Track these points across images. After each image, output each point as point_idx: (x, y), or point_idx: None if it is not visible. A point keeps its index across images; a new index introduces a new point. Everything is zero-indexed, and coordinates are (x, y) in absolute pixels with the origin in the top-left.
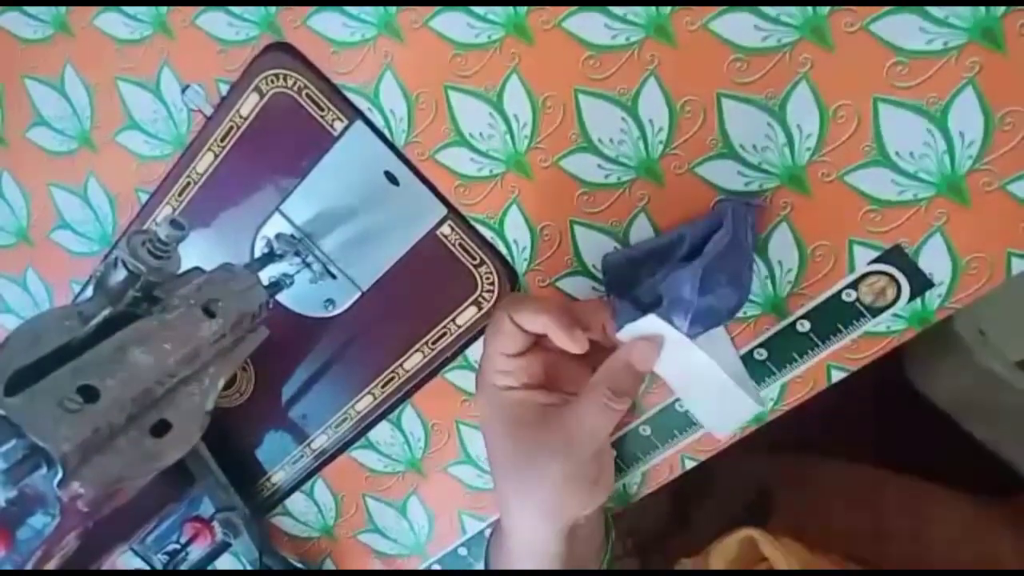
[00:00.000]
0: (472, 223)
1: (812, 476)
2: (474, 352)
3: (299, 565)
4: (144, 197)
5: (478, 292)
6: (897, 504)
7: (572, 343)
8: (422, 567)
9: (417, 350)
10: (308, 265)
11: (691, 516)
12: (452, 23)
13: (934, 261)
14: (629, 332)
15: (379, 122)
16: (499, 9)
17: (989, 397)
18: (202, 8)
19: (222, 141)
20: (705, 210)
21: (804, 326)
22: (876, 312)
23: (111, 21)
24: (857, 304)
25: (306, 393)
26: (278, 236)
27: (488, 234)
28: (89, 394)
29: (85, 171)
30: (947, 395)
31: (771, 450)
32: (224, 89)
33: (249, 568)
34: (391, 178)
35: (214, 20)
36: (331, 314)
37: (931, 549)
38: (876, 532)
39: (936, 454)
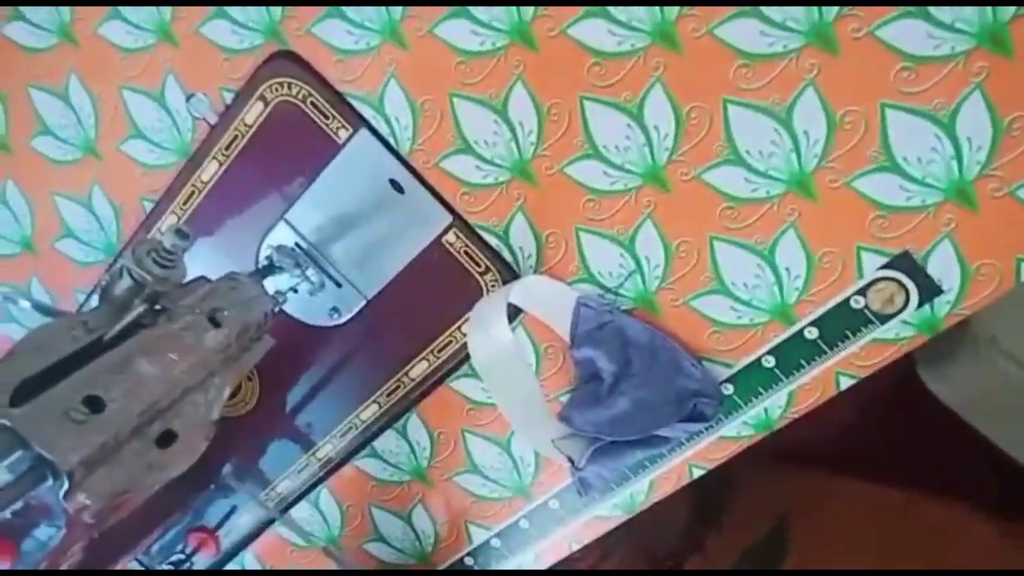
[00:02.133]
0: (477, 231)
1: (830, 502)
2: None
3: None
4: (149, 206)
5: None
6: (917, 533)
7: None
8: None
9: (423, 358)
10: (307, 278)
11: (708, 539)
12: (457, 30)
13: (943, 267)
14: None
15: (384, 130)
16: (504, 16)
17: (1002, 400)
18: (206, 16)
19: (227, 150)
20: (712, 217)
21: (812, 333)
22: (885, 319)
23: (115, 30)
24: (866, 311)
25: (311, 402)
26: (279, 248)
27: (493, 241)
28: (95, 405)
29: (89, 180)
30: (960, 398)
31: (788, 463)
32: (228, 98)
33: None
34: (396, 186)
35: (218, 29)
36: (336, 323)
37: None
38: (896, 563)
39: (957, 462)
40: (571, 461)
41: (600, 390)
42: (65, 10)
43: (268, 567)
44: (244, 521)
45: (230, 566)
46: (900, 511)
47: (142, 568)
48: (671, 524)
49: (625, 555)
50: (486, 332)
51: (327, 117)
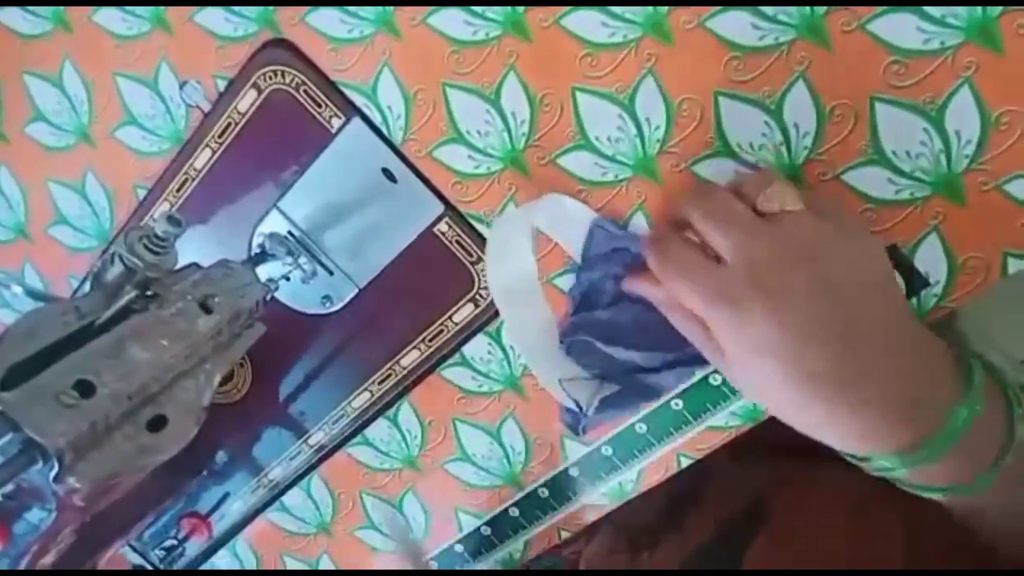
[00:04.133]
0: (469, 220)
1: (808, 485)
2: (471, 349)
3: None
4: (142, 193)
5: (475, 289)
6: (894, 520)
7: None
8: None
9: (414, 347)
10: (300, 265)
11: (685, 517)
12: (450, 20)
13: (930, 260)
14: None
15: (377, 119)
16: (497, 7)
17: None
18: (200, 4)
19: (220, 137)
20: None
21: None
22: None
23: (110, 17)
24: None
25: (303, 390)
26: (271, 236)
27: (485, 231)
28: (85, 389)
29: (83, 167)
30: None
31: (769, 451)
32: (222, 85)
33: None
34: (389, 175)
35: (212, 16)
36: (328, 311)
37: (926, 566)
38: (870, 550)
39: None
40: (578, 406)
41: (599, 303)
42: None
43: (260, 553)
44: (237, 507)
45: (222, 552)
46: (878, 502)
47: (136, 555)
48: (650, 502)
49: (606, 534)
50: (507, 259)
51: (320, 106)
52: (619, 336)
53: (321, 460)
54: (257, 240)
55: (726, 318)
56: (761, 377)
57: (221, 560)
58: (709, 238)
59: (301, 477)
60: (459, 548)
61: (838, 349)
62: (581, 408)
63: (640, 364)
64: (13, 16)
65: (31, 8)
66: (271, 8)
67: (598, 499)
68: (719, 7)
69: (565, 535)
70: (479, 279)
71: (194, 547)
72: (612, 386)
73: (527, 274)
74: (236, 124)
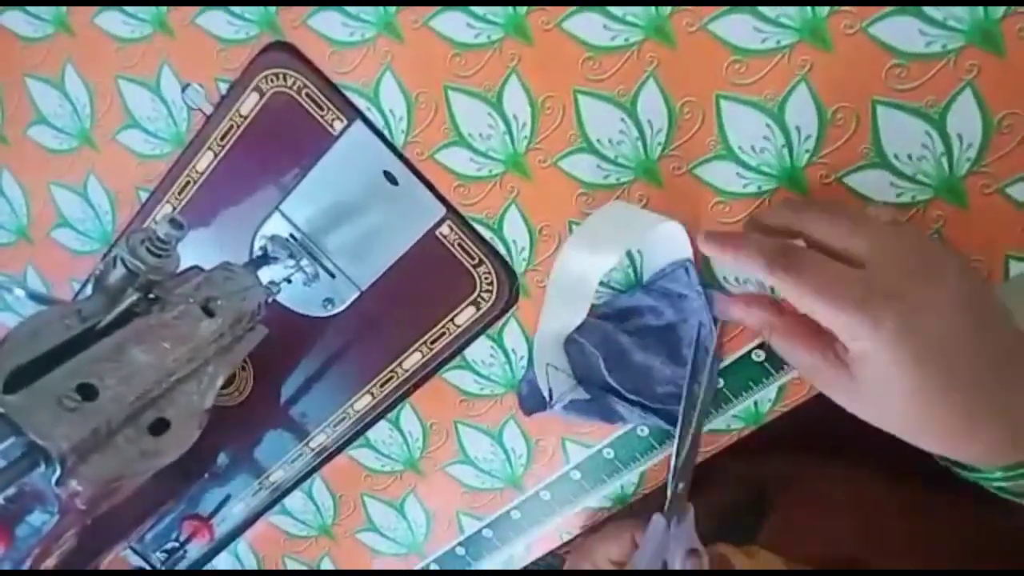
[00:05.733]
0: (471, 223)
1: (811, 481)
2: (472, 352)
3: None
4: (144, 196)
5: (477, 292)
6: (897, 517)
7: None
8: (420, 567)
9: (416, 350)
10: (302, 268)
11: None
12: (452, 23)
13: None
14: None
15: (378, 122)
16: (499, 9)
17: None
18: (202, 7)
19: (222, 140)
20: (704, 211)
21: None
22: None
23: (111, 20)
24: None
25: (305, 392)
26: (273, 238)
27: (487, 234)
28: (88, 392)
29: (85, 169)
30: None
31: (771, 449)
32: (224, 88)
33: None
34: (390, 178)
35: (214, 19)
36: (330, 313)
37: (929, 566)
38: (873, 545)
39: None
40: (549, 394)
41: (626, 324)
42: None
43: (261, 556)
44: (238, 509)
45: (224, 554)
46: (882, 496)
47: (138, 557)
48: (654, 499)
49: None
50: (597, 247)
51: (322, 108)
52: (621, 366)
53: (323, 462)
54: (259, 243)
55: (883, 321)
56: (900, 389)
57: (222, 562)
58: (844, 241)
59: (303, 479)
60: (460, 551)
61: (975, 359)
62: (550, 398)
63: (618, 390)
64: (15, 19)
65: (33, 11)
66: (273, 11)
67: (599, 502)
68: (721, 10)
69: (567, 537)
70: (480, 282)
71: (196, 549)
72: (583, 394)
73: (595, 272)
74: (238, 127)
